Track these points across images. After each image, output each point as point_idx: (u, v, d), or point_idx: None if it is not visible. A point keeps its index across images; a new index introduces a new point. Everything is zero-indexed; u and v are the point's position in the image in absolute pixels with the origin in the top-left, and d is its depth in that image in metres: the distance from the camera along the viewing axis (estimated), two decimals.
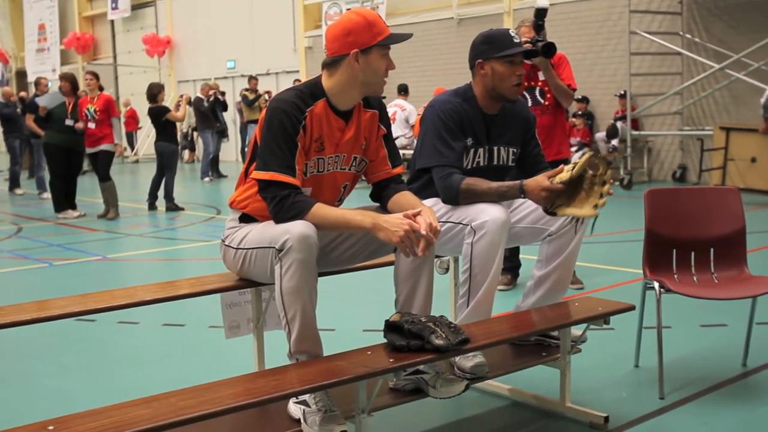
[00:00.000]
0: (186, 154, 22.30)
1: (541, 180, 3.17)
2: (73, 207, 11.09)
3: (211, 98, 16.29)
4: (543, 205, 3.22)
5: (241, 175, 3.10)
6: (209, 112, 16.19)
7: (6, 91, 15.08)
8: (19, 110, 14.59)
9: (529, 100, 5.52)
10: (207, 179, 16.21)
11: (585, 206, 3.14)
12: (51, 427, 2.24)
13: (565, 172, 3.12)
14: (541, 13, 5.30)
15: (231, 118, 19.88)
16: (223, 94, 16.76)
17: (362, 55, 2.94)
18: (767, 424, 3.37)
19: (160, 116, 11.26)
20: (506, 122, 3.56)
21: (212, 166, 16.60)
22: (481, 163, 3.52)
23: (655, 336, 3.71)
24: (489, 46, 3.44)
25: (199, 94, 16.66)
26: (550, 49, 5.18)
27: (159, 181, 11.53)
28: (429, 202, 3.36)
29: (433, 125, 3.43)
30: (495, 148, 3.55)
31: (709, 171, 11.70)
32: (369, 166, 3.18)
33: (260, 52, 21.19)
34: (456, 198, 3.33)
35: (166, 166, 11.36)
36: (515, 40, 3.43)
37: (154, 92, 11.37)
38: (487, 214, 3.18)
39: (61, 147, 10.75)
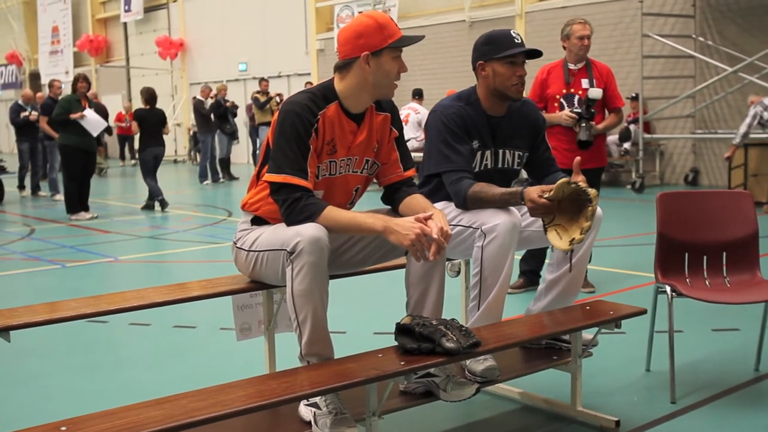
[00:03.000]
0: (199, 157, 22.30)
1: (532, 191, 3.15)
2: (86, 209, 11.14)
3: (213, 100, 16.17)
4: (532, 216, 3.23)
5: (253, 177, 3.11)
6: (210, 114, 15.96)
7: (27, 94, 14.98)
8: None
9: (567, 107, 5.52)
10: (206, 182, 16.13)
11: (564, 237, 3.12)
12: (64, 428, 2.25)
13: (555, 191, 3.10)
14: (591, 102, 5.44)
15: (242, 120, 19.91)
16: (227, 101, 16.48)
17: (373, 58, 2.94)
18: None
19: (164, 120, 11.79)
20: (513, 125, 3.55)
21: (223, 169, 16.57)
22: (489, 166, 3.52)
23: (667, 340, 3.70)
24: (490, 47, 3.43)
25: (199, 96, 16.46)
26: (584, 146, 5.36)
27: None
28: (439, 205, 3.36)
29: (437, 131, 3.43)
30: (501, 151, 3.54)
31: (730, 182, 11.62)
32: (381, 169, 3.18)
33: (272, 54, 21.25)
34: (465, 203, 3.33)
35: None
36: (516, 41, 3.40)
37: (155, 96, 11.72)
38: (498, 217, 3.18)
39: (79, 148, 10.83)
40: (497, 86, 3.42)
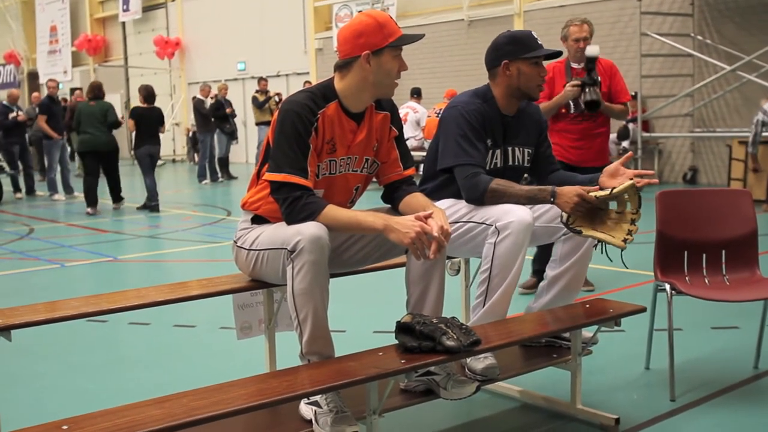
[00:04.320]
0: (197, 156, 22.28)
1: (573, 189, 3.21)
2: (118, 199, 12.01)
3: (213, 100, 16.16)
4: (568, 214, 3.22)
5: (253, 176, 3.11)
6: (211, 114, 15.96)
7: (12, 94, 14.70)
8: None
9: (572, 106, 5.46)
10: (205, 182, 16.12)
11: (616, 236, 3.16)
12: (65, 427, 2.26)
13: (604, 191, 3.16)
14: (590, 60, 5.31)
15: (241, 120, 19.88)
16: (229, 104, 16.46)
17: (373, 57, 2.94)
18: None
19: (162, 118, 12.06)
20: (521, 123, 3.58)
21: (222, 168, 16.56)
22: (498, 164, 3.52)
23: (666, 338, 3.70)
24: (515, 47, 3.45)
25: (199, 96, 16.43)
26: (592, 106, 5.23)
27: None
28: (445, 203, 3.37)
29: (456, 125, 3.43)
30: (510, 149, 3.55)
31: (730, 181, 11.64)
32: (380, 168, 3.18)
33: (271, 53, 21.23)
34: (482, 198, 3.33)
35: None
36: (539, 42, 3.46)
37: (154, 94, 11.90)
38: (513, 214, 3.17)
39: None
40: (520, 86, 3.45)
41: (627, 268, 3.31)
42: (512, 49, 3.45)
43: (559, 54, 3.56)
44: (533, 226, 3.23)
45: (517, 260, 3.18)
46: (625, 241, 3.16)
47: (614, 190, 3.15)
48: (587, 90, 5.24)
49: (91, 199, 11.57)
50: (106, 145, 11.59)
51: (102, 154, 11.59)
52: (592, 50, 5.28)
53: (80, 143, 11.67)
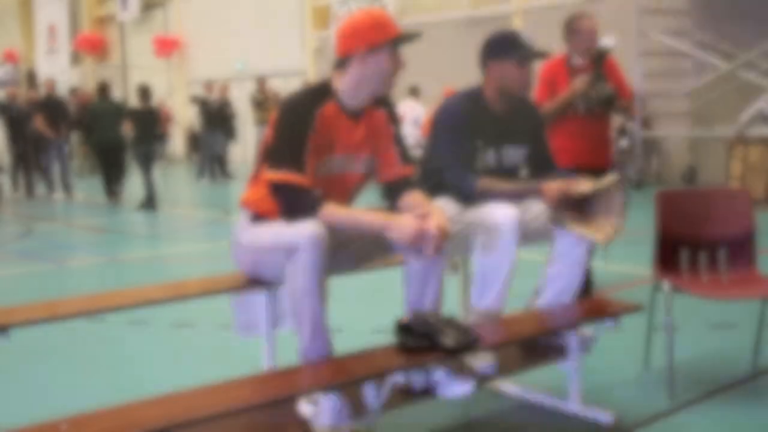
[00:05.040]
0: (196, 155, 22.24)
1: (560, 183, 3.21)
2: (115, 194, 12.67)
3: (218, 103, 16.18)
4: (553, 208, 3.23)
5: (252, 175, 3.12)
6: (216, 113, 16.00)
7: (11, 91, 14.67)
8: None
9: (580, 103, 5.28)
10: (205, 180, 16.14)
11: (599, 234, 3.18)
12: (64, 427, 2.26)
13: (587, 185, 3.18)
14: (603, 53, 5.06)
15: (240, 119, 19.86)
16: (228, 105, 16.55)
17: (371, 55, 2.95)
18: None
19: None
20: (515, 121, 3.58)
21: (221, 167, 16.56)
22: (491, 164, 3.53)
23: (665, 336, 3.70)
24: (501, 48, 3.46)
25: (204, 93, 16.46)
26: (609, 101, 5.01)
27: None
28: (441, 201, 3.37)
29: (445, 126, 3.45)
30: (503, 148, 3.56)
31: (728, 179, 11.65)
32: (379, 166, 3.18)
33: (269, 52, 21.22)
34: (470, 197, 3.34)
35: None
36: (526, 42, 3.46)
37: (150, 92, 12.17)
38: (500, 214, 3.19)
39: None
40: (506, 85, 3.45)
41: (604, 265, 3.34)
42: (498, 50, 3.47)
43: (544, 55, 3.54)
44: (521, 223, 3.24)
45: (507, 259, 3.19)
46: (607, 237, 3.18)
47: (597, 186, 3.16)
48: (597, 85, 5.00)
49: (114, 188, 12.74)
50: (118, 139, 12.56)
51: (111, 148, 12.56)
52: (609, 41, 5.03)
53: (96, 143, 12.59)
